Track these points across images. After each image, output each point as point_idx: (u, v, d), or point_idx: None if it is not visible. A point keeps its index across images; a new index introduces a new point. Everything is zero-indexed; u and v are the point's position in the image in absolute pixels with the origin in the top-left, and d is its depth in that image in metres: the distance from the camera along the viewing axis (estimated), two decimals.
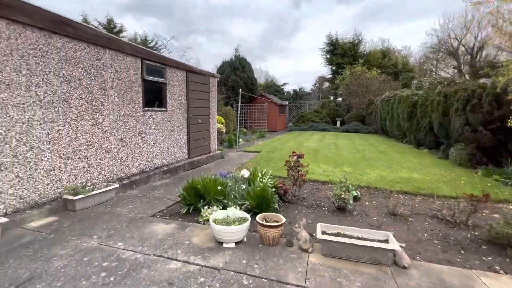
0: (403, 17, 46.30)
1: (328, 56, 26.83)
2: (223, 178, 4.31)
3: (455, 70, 30.88)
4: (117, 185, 4.07)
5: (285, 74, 59.29)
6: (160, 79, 5.36)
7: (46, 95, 3.35)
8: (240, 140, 11.23)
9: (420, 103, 9.15)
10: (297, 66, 60.20)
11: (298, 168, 4.09)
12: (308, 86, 47.84)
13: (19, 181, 3.12)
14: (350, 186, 4.25)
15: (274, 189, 3.72)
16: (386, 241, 2.42)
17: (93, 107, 3.98)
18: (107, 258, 2.37)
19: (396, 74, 25.44)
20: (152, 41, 24.72)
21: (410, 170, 6.02)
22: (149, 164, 5.22)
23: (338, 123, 21.08)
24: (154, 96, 5.35)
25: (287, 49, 61.77)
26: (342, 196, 3.58)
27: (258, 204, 3.39)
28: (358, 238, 2.50)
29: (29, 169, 3.22)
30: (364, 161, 7.04)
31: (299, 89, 30.03)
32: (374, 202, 4.08)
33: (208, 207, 3.42)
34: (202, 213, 3.30)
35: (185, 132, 6.36)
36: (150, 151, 5.22)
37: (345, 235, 2.55)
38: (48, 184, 3.43)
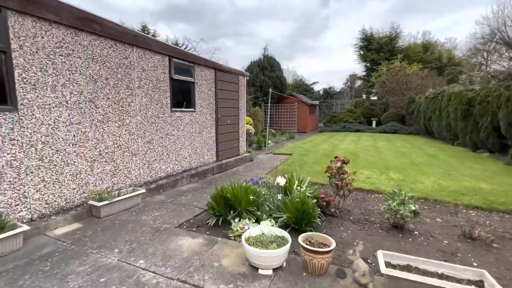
0: (444, 8, 42.21)
1: (361, 52, 25.25)
2: (255, 185, 3.88)
3: (505, 64, 27.25)
4: (143, 191, 3.83)
5: (313, 73, 57.67)
6: (188, 78, 5.11)
7: (72, 95, 3.20)
8: (269, 141, 10.77)
9: (479, 99, 7.88)
10: (326, 65, 58.18)
11: (342, 175, 3.50)
12: (338, 85, 45.83)
13: (45, 185, 2.98)
14: (406, 197, 3.56)
15: (315, 200, 3.19)
16: (481, 284, 1.77)
17: (120, 108, 3.80)
18: (125, 281, 2.04)
19: (440, 69, 23.09)
20: (182, 44, 25.38)
21: (475, 179, 5.05)
22: (177, 167, 4.98)
23: (374, 123, 19.62)
24: (182, 96, 5.11)
25: (315, 48, 60.02)
26: (401, 212, 2.93)
27: (297, 218, 2.89)
28: (437, 275, 1.88)
29: (55, 172, 3.08)
30: (413, 167, 6.14)
31: (329, 88, 28.73)
32: (438, 219, 3.34)
33: (239, 220, 3.00)
34: (232, 226, 2.89)
35: (214, 133, 6.07)
36: (178, 154, 4.98)
37: (417, 269, 1.95)
38: (74, 189, 3.28)
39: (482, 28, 30.13)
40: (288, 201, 3.02)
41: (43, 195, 2.98)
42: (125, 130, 3.91)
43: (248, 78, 7.49)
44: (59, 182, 3.13)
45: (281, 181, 3.22)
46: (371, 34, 24.90)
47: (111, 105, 3.68)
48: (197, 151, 5.53)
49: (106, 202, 3.26)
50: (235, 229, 2.81)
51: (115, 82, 3.72)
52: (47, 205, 3.02)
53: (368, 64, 24.89)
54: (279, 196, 3.19)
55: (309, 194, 3.50)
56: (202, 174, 5.40)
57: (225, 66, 6.23)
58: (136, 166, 4.12)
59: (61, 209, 3.17)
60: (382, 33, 24.56)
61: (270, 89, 9.01)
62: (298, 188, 3.67)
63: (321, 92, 28.25)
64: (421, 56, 23.57)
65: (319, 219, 3.11)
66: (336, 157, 3.67)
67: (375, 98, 24.38)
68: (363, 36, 25.12)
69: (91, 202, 3.25)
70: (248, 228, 2.76)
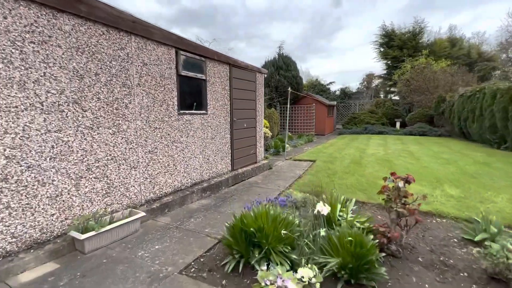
0: (460, 5, 39.85)
1: (382, 49, 23.85)
2: (283, 207, 3.03)
3: None
4: (143, 214, 3.06)
5: (327, 74, 56.16)
6: (198, 75, 4.34)
7: (49, 95, 2.48)
8: (287, 145, 9.88)
9: None
10: (340, 65, 56.56)
11: (404, 199, 2.58)
12: (353, 85, 44.25)
13: (10, 213, 2.27)
14: (494, 229, 2.58)
15: (371, 237, 2.29)
16: None
17: (114, 111, 3.06)
18: None
19: (470, 65, 21.32)
20: None
21: None
22: (186, 180, 4.21)
23: (398, 124, 18.23)
24: (191, 96, 4.35)
25: (328, 48, 58.79)
26: (509, 261, 1.97)
27: (351, 267, 2.00)
28: None
29: (25, 196, 2.36)
30: (469, 178, 5.06)
31: (345, 88, 27.43)
32: None
33: (268, 265, 2.16)
34: (259, 277, 2.03)
35: (228, 139, 5.27)
36: (187, 164, 4.21)
37: None
38: (53, 215, 2.55)
39: None
40: (337, 240, 2.14)
41: (8, 226, 2.26)
42: (122, 138, 3.17)
43: (265, 75, 6.66)
44: (32, 208, 2.40)
45: (324, 209, 2.34)
46: (392, 30, 23.45)
47: (103, 107, 2.95)
48: (210, 160, 4.75)
49: (92, 233, 2.51)
50: (263, 284, 1.96)
51: (108, 79, 2.99)
52: (13, 239, 2.30)
53: (389, 62, 23.44)
54: (323, 232, 2.30)
55: (358, 225, 2.60)
56: (215, 187, 4.61)
57: (241, 62, 5.43)
58: (135, 181, 3.37)
59: (35, 243, 2.44)
60: (405, 28, 23.08)
61: (289, 88, 8.12)
62: (342, 214, 2.78)
63: (338, 92, 27.03)
64: (448, 52, 21.90)
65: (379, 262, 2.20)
66: (393, 173, 2.75)
67: (397, 97, 22.89)
68: (384, 32, 23.71)
69: (72, 233, 2.51)
70: (282, 281, 1.91)
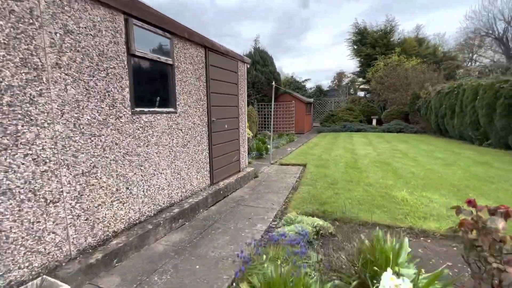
0: (417, 7, 42.74)
1: (355, 47, 23.95)
2: (295, 246, 2.00)
3: (495, 58, 27.07)
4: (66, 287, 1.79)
5: (298, 72, 56.87)
6: (163, 58, 3.09)
7: None
8: (268, 146, 8.87)
9: None
10: (310, 65, 57.60)
11: (500, 244, 1.65)
12: (325, 83, 45.03)
13: None
14: None
15: None
16: None
17: (10, 110, 1.74)
18: None
19: (436, 64, 22.22)
20: None
21: None
22: (146, 208, 2.95)
23: (374, 121, 18.27)
24: (153, 88, 3.09)
25: (298, 47, 59.89)
26: None
27: None
28: None
29: None
30: (487, 184, 4.46)
31: (320, 85, 27.33)
32: None
33: None
34: None
35: (206, 145, 4.08)
36: (148, 185, 2.95)
37: None
38: None
39: (470, 23, 30.00)
40: None
41: None
42: (24, 156, 1.85)
43: (248, 65, 5.55)
44: None
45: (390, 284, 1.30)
46: (365, 28, 23.66)
47: None
48: (181, 175, 3.52)
49: None
50: None
51: None
52: None
53: (362, 60, 23.60)
54: None
55: None
56: (190, 212, 3.40)
57: (219, 45, 4.25)
58: (57, 224, 2.06)
59: None
60: (377, 26, 23.40)
61: (273, 83, 7.08)
62: (398, 269, 1.79)
63: (312, 89, 26.78)
64: (417, 51, 22.59)
65: None
66: (470, 202, 1.81)
67: (369, 95, 23.16)
68: (357, 30, 23.83)
69: None
70: None
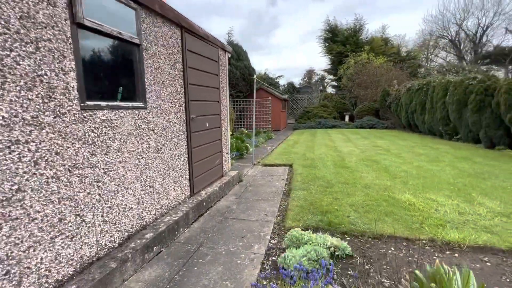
0: (381, 11, 45.52)
1: (327, 44, 24.26)
2: None
3: (448, 59, 29.61)
4: None
5: (269, 70, 57.08)
6: (125, 34, 2.30)
7: None
8: (247, 145, 8.28)
9: (506, 89, 6.63)
10: (280, 62, 58.20)
11: None
12: (295, 80, 45.69)
13: None
14: None
15: None
16: None
17: None
18: None
19: (399, 63, 23.42)
20: None
21: None
22: (108, 238, 2.17)
23: (347, 118, 18.64)
24: (113, 74, 2.30)
25: (267, 45, 60.31)
26: None
27: None
28: None
29: None
30: (480, 181, 4.36)
31: (292, 82, 27.38)
32: None
33: None
34: None
35: (184, 148, 3.34)
36: (110, 206, 2.18)
37: None
38: None
39: (428, 25, 32.35)
40: None
41: None
42: None
43: (229, 55, 4.86)
44: None
45: None
46: (336, 25, 24.07)
47: None
48: (155, 188, 2.77)
49: None
50: None
51: None
52: None
53: (333, 57, 24.00)
54: None
55: None
56: (167, 235, 2.68)
57: (198, 27, 3.51)
58: None
59: None
60: (347, 25, 23.93)
61: (254, 76, 6.46)
62: None
63: (285, 86, 26.70)
64: (383, 50, 23.57)
65: None
66: None
67: (340, 92, 23.69)
68: (328, 27, 24.15)
69: None
70: None
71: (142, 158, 2.54)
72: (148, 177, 2.64)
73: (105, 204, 2.12)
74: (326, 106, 18.49)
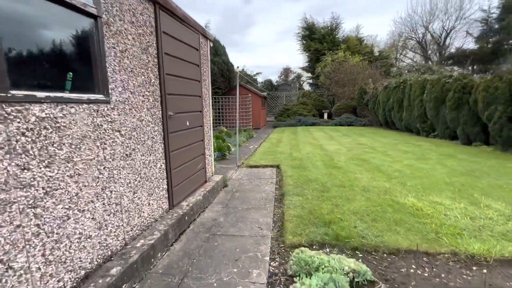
0: (352, 13, 47.19)
1: (304, 41, 24.27)
2: None
3: (415, 60, 31.36)
4: None
5: (246, 67, 56.63)
6: None
7: None
8: (229, 144, 7.74)
9: (484, 86, 6.78)
10: (256, 60, 58.10)
11: None
12: (272, 78, 45.77)
13: None
14: None
15: None
16: None
17: None
18: None
19: (374, 62, 24.17)
20: None
21: None
22: (53, 285, 1.55)
23: (325, 115, 18.75)
24: (57, 55, 1.65)
25: (243, 43, 59.91)
26: None
27: None
28: None
29: None
30: (474, 179, 4.26)
31: (270, 79, 27.14)
32: None
33: None
34: None
35: (161, 152, 2.74)
36: (56, 239, 1.55)
37: None
38: None
39: (399, 27, 33.91)
40: None
41: None
42: None
43: (211, 44, 4.28)
44: None
45: None
46: (313, 23, 24.15)
47: None
48: (123, 205, 2.16)
49: None
50: None
51: None
52: None
53: (311, 54, 24.08)
54: None
55: None
56: (141, 265, 2.09)
57: (175, 5, 2.90)
58: None
59: None
60: (323, 23, 24.12)
61: (237, 67, 5.91)
62: None
63: (262, 84, 26.36)
64: (358, 49, 24.13)
65: None
66: None
67: (318, 89, 23.91)
68: (305, 25, 24.15)
69: None
70: None
71: (104, 168, 1.92)
72: (113, 192, 2.02)
73: (48, 237, 1.50)
74: (306, 103, 18.43)
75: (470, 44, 26.43)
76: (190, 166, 3.41)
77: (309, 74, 26.11)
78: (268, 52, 60.92)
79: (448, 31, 27.34)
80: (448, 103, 8.02)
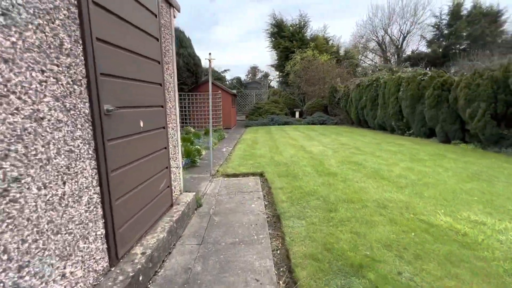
0: (315, 17, 48.69)
1: (274, 39, 23.67)
2: None
3: (374, 61, 33.06)
4: None
5: (212, 64, 54.93)
6: None
7: None
8: (199, 147, 6.58)
9: (465, 83, 6.62)
10: (221, 59, 56.77)
11: None
12: (240, 77, 44.88)
13: None
14: None
15: None
16: None
17: None
18: None
19: (341, 61, 24.61)
20: None
21: None
22: None
23: (297, 114, 18.34)
24: None
25: (208, 41, 58.36)
26: None
27: None
28: None
29: None
30: (491, 185, 3.78)
31: (238, 77, 26.12)
32: None
33: None
34: None
35: (90, 175, 1.56)
36: None
37: None
38: None
39: (361, 29, 35.34)
40: None
41: None
42: None
43: (176, 16, 3.13)
44: None
45: None
46: (281, 20, 23.68)
47: None
48: None
49: None
50: None
51: None
52: None
53: (281, 52, 23.59)
54: None
55: None
56: None
57: None
58: None
59: None
60: (292, 20, 23.81)
61: (209, 54, 4.78)
62: None
63: (232, 81, 25.23)
64: (325, 48, 24.32)
65: None
66: None
67: (288, 88, 23.58)
68: (274, 21, 23.57)
69: None
70: None
71: None
72: None
73: None
74: (278, 102, 17.80)
75: (424, 48, 28.50)
76: (146, 189, 2.25)
77: (278, 73, 25.63)
78: (234, 51, 59.76)
79: (405, 35, 29.14)
80: (427, 101, 7.85)
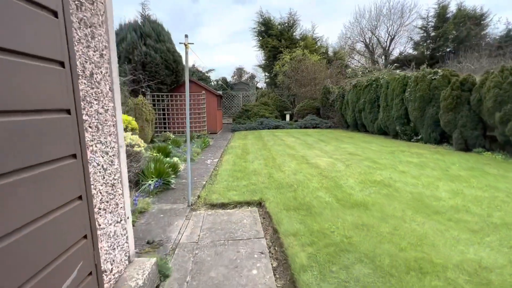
0: (305, 18, 48.35)
1: (261, 38, 22.50)
2: None
3: (362, 61, 32.81)
4: None
5: (196, 63, 53.26)
6: None
7: None
8: (176, 161, 5.14)
9: (495, 82, 5.62)
10: (206, 60, 55.11)
11: None
12: (227, 79, 43.46)
13: None
14: None
15: None
16: None
17: None
18: None
19: (331, 62, 23.84)
20: None
21: None
22: None
23: (288, 117, 17.18)
24: None
25: (192, 41, 56.83)
26: None
27: None
28: None
29: None
30: None
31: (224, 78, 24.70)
32: None
33: None
34: None
35: None
36: None
37: None
38: None
39: (349, 31, 35.01)
40: None
41: None
42: None
43: None
44: None
45: None
46: (269, 18, 22.57)
47: None
48: None
49: None
50: None
51: None
52: None
53: (269, 52, 22.45)
54: None
55: None
56: None
57: None
58: None
59: None
60: (281, 19, 22.76)
61: (185, 36, 3.42)
62: None
63: (218, 82, 23.77)
64: (315, 48, 23.48)
65: None
66: None
67: (277, 89, 22.47)
68: (262, 19, 22.41)
69: None
70: None
71: None
72: None
73: None
74: (267, 104, 16.55)
75: (411, 50, 28.42)
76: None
77: (266, 73, 24.48)
78: (219, 53, 58.08)
79: (392, 36, 28.98)
80: (443, 103, 6.85)
